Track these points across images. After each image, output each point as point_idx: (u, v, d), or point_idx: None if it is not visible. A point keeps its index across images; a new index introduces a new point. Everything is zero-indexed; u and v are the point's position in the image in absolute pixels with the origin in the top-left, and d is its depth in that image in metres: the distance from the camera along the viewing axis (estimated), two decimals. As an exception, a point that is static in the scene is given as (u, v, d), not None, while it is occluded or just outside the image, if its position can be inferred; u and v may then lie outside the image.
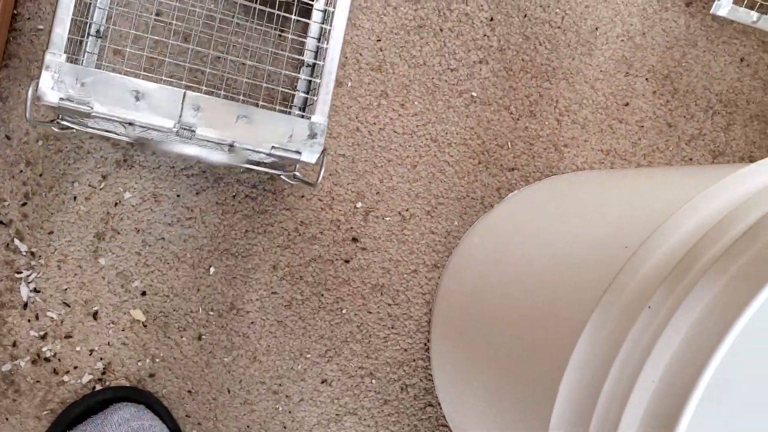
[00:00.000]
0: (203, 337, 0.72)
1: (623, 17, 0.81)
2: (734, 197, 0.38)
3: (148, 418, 0.69)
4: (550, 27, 0.79)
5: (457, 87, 0.77)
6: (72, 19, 0.55)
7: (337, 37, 0.61)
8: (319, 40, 0.68)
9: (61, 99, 0.54)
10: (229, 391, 0.73)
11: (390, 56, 0.76)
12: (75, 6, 0.55)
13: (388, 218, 0.76)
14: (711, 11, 0.71)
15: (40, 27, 0.69)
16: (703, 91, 0.84)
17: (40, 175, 0.68)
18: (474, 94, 0.78)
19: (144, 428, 0.67)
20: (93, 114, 0.55)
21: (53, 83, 0.54)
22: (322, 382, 0.76)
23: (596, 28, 0.80)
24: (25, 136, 0.68)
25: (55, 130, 0.62)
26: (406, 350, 0.78)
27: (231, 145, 0.57)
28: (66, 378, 0.70)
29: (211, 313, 0.72)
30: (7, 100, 0.68)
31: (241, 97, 0.68)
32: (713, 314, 0.32)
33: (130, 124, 0.56)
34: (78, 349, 0.70)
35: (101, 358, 0.70)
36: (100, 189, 0.70)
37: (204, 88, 0.69)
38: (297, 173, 0.67)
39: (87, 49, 0.65)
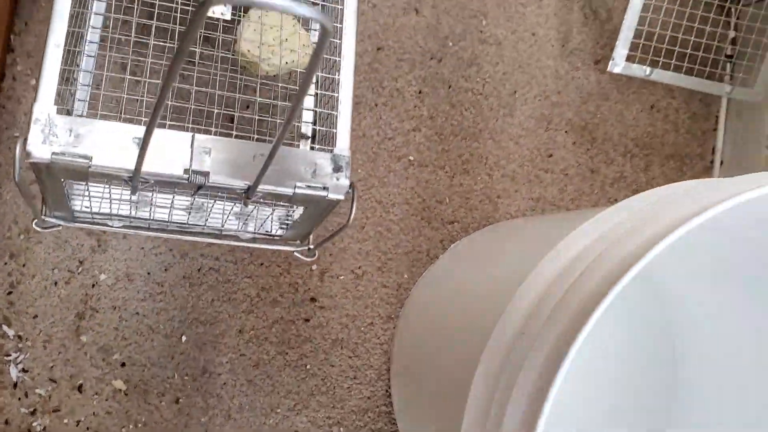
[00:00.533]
0: (180, 400, 0.79)
1: (538, 80, 0.91)
2: (585, 243, 0.46)
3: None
4: (473, 94, 0.89)
5: (396, 153, 0.87)
6: (61, 69, 0.51)
7: (348, 65, 0.59)
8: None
9: (54, 154, 0.48)
10: (207, 449, 0.80)
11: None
12: (63, 54, 0.51)
13: (342, 277, 0.84)
14: (608, 69, 0.81)
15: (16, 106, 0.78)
16: (619, 137, 0.93)
17: (23, 266, 0.76)
18: (411, 158, 0.87)
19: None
20: (91, 169, 0.49)
21: (44, 137, 0.48)
22: (293, 434, 0.82)
23: (515, 92, 0.90)
24: (8, 232, 0.76)
25: (38, 230, 0.61)
26: (369, 398, 0.85)
27: (247, 192, 0.52)
28: (56, 449, 0.76)
29: (186, 377, 0.80)
30: (-9, 201, 0.77)
31: (255, 135, 0.65)
32: (558, 342, 0.40)
33: (132, 177, 0.50)
34: (66, 421, 0.77)
35: (88, 428, 0.77)
36: (78, 273, 0.78)
37: (213, 129, 0.63)
38: (311, 245, 0.65)
39: (78, 98, 0.61)
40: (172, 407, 0.79)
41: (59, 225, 0.62)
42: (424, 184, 0.87)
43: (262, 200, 0.59)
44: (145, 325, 0.79)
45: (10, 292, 0.76)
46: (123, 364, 0.78)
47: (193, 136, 0.51)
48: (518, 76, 0.90)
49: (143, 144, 0.42)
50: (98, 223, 0.64)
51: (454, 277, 0.76)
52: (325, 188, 0.53)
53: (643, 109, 0.94)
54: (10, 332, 0.76)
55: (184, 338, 0.80)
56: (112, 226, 0.65)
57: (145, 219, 0.64)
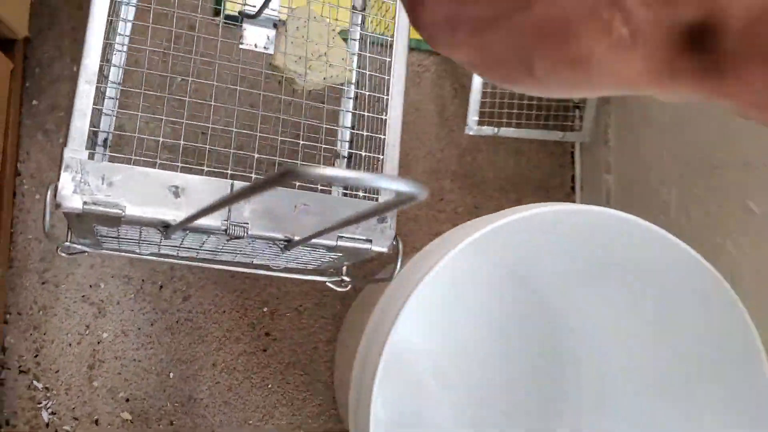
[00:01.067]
0: (174, 422, 1.04)
1: (424, 142, 1.18)
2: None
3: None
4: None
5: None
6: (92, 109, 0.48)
7: (396, 106, 0.57)
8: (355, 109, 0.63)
9: (86, 204, 0.46)
10: (198, 458, 1.05)
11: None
12: (94, 93, 0.48)
13: (288, 314, 1.10)
14: (465, 132, 1.08)
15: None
16: (494, 178, 1.20)
17: (44, 334, 1.02)
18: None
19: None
20: (124, 218, 0.47)
21: (75, 186, 0.46)
22: (264, 439, 1.07)
23: (408, 154, 1.17)
24: (30, 310, 1.02)
25: (64, 255, 0.58)
26: (320, 404, 1.10)
27: (288, 242, 0.51)
28: (83, 470, 1.01)
29: (176, 404, 1.05)
30: (16, 265, 1.03)
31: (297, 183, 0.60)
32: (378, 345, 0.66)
33: (167, 227, 0.48)
34: (88, 448, 1.01)
35: (105, 452, 1.02)
36: (86, 334, 1.03)
37: (254, 175, 0.59)
38: (345, 277, 0.66)
39: (109, 143, 0.57)
40: (168, 428, 1.04)
41: (85, 251, 0.60)
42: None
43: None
44: (141, 368, 1.04)
45: (36, 355, 1.02)
46: (127, 400, 1.03)
47: (232, 184, 0.50)
48: (410, 142, 1.17)
49: (191, 217, 0.42)
50: (125, 251, 0.63)
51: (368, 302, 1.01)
52: (368, 240, 0.52)
53: (510, 154, 1.21)
54: (39, 385, 1.01)
55: (171, 374, 1.05)
56: (139, 254, 0.64)
57: (174, 246, 0.61)
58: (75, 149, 0.46)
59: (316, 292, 1.12)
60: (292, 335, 1.10)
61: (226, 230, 0.49)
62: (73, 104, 0.48)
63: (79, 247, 0.58)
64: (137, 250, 0.63)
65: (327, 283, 0.67)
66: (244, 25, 0.62)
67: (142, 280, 1.05)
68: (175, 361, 1.05)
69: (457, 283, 1.03)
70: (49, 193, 0.46)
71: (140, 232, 0.56)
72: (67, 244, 0.58)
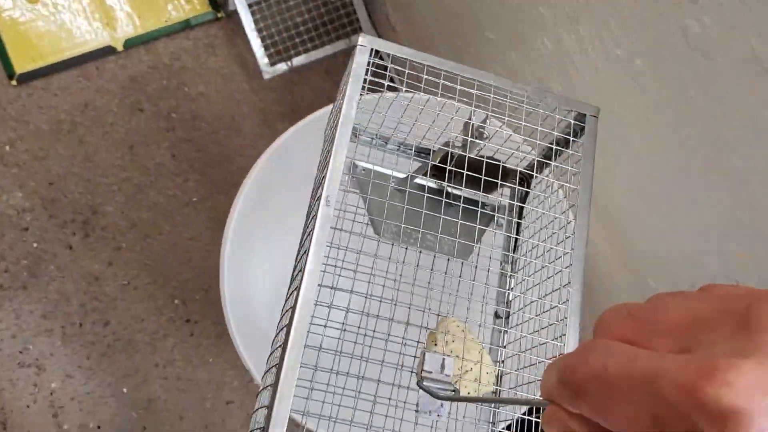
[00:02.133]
0: (146, 426, 1.19)
1: (243, 101, 1.30)
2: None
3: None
4: (204, 132, 1.28)
5: (182, 200, 1.25)
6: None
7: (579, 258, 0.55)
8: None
9: None
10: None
11: (133, 213, 1.24)
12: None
13: (197, 297, 1.24)
14: (264, 78, 1.20)
15: None
16: (318, 99, 1.32)
17: (2, 409, 1.16)
18: (194, 200, 1.26)
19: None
20: None
21: None
22: (228, 403, 1.22)
23: (232, 123, 1.29)
24: (-18, 395, 1.16)
25: None
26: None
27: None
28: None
29: (141, 410, 1.19)
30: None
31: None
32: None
33: None
34: (85, 478, 1.16)
35: (101, 475, 1.16)
36: (38, 393, 1.17)
37: None
38: None
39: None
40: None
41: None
42: (212, 212, 1.26)
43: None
44: (96, 396, 1.18)
45: (5, 428, 1.16)
46: (99, 427, 1.18)
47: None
48: (232, 108, 1.29)
49: None
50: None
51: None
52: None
53: (320, 75, 1.33)
54: (20, 449, 1.15)
55: (125, 390, 1.19)
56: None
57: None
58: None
59: (210, 269, 1.25)
60: (208, 312, 1.24)
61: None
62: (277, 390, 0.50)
63: None
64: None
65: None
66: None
67: (62, 327, 1.19)
68: (122, 378, 1.19)
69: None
70: None
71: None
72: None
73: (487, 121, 0.65)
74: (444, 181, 0.64)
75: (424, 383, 0.53)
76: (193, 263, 1.25)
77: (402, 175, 0.76)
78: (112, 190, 1.23)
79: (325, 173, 0.54)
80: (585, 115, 0.63)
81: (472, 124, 0.66)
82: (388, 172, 0.75)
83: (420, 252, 0.69)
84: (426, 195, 0.64)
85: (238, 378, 1.23)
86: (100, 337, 1.20)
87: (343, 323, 0.67)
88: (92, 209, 1.23)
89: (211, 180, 1.27)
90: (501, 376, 0.66)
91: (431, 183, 0.73)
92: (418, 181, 0.73)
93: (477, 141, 0.66)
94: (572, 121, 0.63)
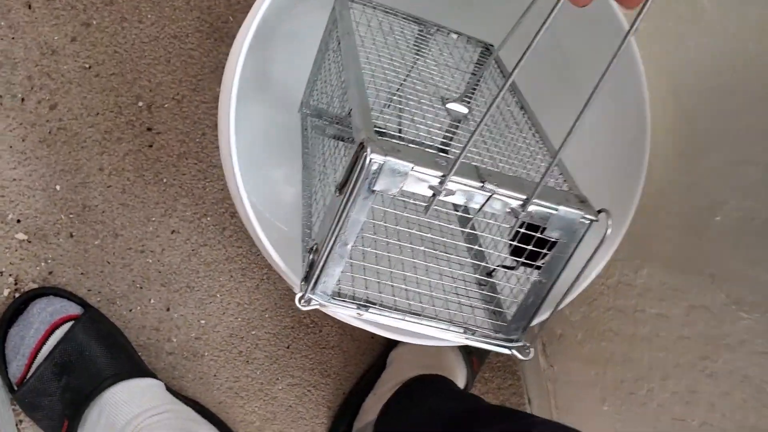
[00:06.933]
0: (73, 234, 1.04)
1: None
2: None
3: (59, 302, 1.01)
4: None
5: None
6: None
7: None
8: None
9: None
10: (108, 263, 1.06)
11: (115, -7, 1.06)
12: None
13: (166, 105, 1.08)
14: None
15: None
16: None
17: None
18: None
19: (57, 310, 0.99)
20: None
21: None
22: (172, 233, 1.08)
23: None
24: None
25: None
26: (222, 189, 1.10)
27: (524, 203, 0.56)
28: (-10, 295, 1.02)
29: (71, 215, 1.04)
30: None
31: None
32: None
33: None
34: (-10, 274, 1.02)
35: (10, 275, 1.02)
36: (-45, 163, 1.00)
37: None
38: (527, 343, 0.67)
39: None
40: (69, 241, 1.04)
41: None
42: (207, 11, 1.10)
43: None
44: (23, 186, 1.03)
45: None
46: (18, 221, 1.03)
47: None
48: None
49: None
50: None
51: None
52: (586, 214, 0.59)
53: None
54: None
55: (58, 187, 1.04)
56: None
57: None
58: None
59: (189, 78, 1.09)
60: (175, 126, 1.09)
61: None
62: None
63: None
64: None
65: (513, 352, 0.69)
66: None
67: (0, 96, 1.01)
68: (58, 173, 1.04)
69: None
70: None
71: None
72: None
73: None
74: None
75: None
76: (171, 66, 1.09)
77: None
78: (96, -48, 1.05)
79: None
80: None
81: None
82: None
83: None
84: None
85: (192, 208, 1.09)
86: (43, 120, 1.04)
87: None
88: (66, -31, 1.04)
89: (213, -24, 1.10)
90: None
91: None
92: None
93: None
94: None
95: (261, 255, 1.08)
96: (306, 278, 0.61)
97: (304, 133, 1.01)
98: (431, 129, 0.67)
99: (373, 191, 0.55)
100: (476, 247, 0.80)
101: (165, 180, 1.08)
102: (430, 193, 0.57)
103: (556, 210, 0.60)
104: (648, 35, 0.90)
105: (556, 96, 0.92)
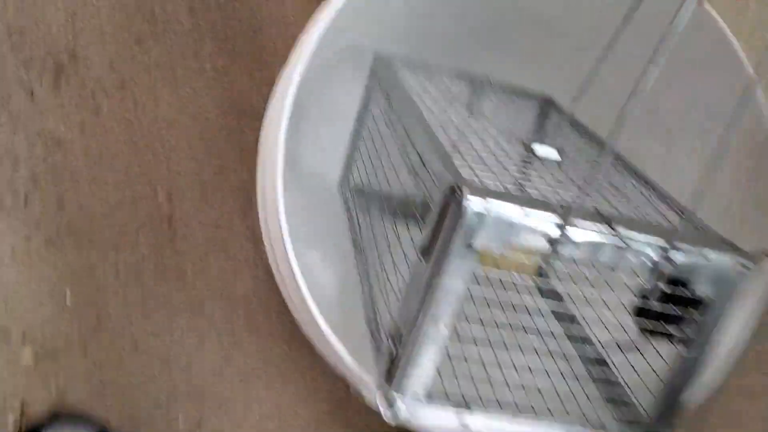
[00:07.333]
0: (87, 349, 0.90)
1: None
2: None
3: (73, 430, 0.86)
4: None
5: (192, 69, 0.98)
6: None
7: None
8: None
9: None
10: (129, 380, 0.91)
11: (126, 72, 0.96)
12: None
13: (189, 194, 0.96)
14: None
15: None
16: None
17: None
18: (208, 71, 0.99)
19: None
20: None
21: None
22: (200, 339, 0.94)
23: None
24: None
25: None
26: (254, 284, 0.96)
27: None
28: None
29: (85, 327, 0.90)
30: None
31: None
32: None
33: None
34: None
35: (16, 399, 0.87)
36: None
37: None
38: None
39: None
40: (84, 362, 0.90)
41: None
42: (229, 89, 0.99)
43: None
44: (29, 294, 0.89)
45: None
46: (24, 334, 0.89)
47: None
48: None
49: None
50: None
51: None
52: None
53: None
54: None
55: (68, 292, 0.91)
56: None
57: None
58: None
59: (213, 162, 0.98)
60: (200, 217, 0.96)
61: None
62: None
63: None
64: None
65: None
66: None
67: None
68: (68, 278, 0.91)
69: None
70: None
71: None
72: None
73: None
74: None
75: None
76: (193, 150, 0.98)
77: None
78: (101, 31, 0.95)
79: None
80: None
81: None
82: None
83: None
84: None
85: (222, 309, 0.95)
86: (49, 218, 0.91)
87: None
88: (70, 52, 0.95)
89: (235, 51, 1.00)
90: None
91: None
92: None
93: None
94: None
95: (302, 356, 0.93)
96: (388, 375, 0.46)
97: (349, 213, 0.89)
98: (510, 174, 0.55)
99: (471, 248, 0.42)
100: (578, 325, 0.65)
101: (190, 279, 0.95)
102: (545, 246, 0.44)
103: (706, 258, 0.46)
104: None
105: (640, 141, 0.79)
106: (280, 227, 0.59)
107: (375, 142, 0.80)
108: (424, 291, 0.44)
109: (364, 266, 0.73)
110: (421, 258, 0.45)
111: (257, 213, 0.73)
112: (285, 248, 0.59)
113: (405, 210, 0.80)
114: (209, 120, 0.99)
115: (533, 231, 0.43)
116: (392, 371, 0.47)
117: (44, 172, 0.92)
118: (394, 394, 0.46)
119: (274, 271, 0.66)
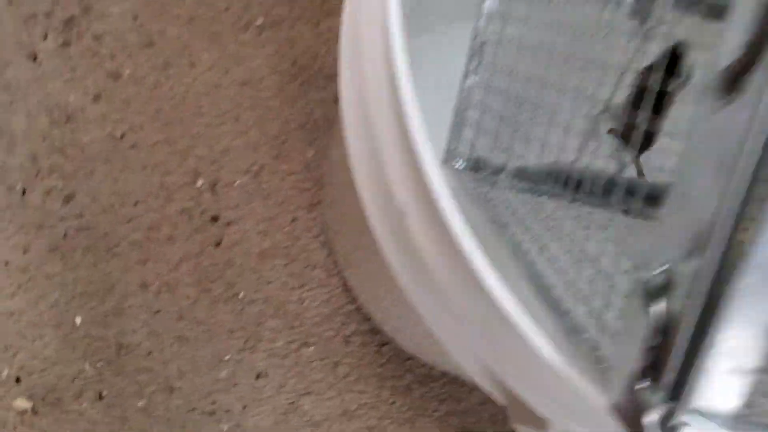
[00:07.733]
0: (103, 393, 0.66)
1: None
2: None
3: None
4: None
5: (239, 22, 0.75)
6: None
7: None
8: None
9: None
10: (160, 436, 0.66)
11: (154, 26, 0.73)
12: None
13: (237, 181, 0.72)
14: None
15: None
16: None
17: None
18: (258, 22, 0.75)
19: None
20: None
21: None
22: (258, 377, 0.68)
23: None
24: None
25: None
26: (327, 301, 0.71)
27: None
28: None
29: (100, 363, 0.66)
30: None
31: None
32: None
33: None
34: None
35: (4, 470, 0.63)
36: None
37: None
38: None
39: None
40: (97, 405, 0.65)
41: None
42: (287, 44, 0.75)
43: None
44: (25, 323, 0.66)
45: None
46: (18, 379, 0.65)
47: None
48: None
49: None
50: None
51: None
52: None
53: None
54: None
55: (78, 320, 0.66)
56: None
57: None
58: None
59: (269, 138, 0.73)
60: (253, 212, 0.71)
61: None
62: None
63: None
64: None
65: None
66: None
67: (-10, 189, 0.67)
68: (78, 299, 0.67)
69: None
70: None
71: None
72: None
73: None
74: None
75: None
76: (241, 124, 0.73)
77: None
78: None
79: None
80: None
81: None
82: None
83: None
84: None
85: (285, 335, 0.70)
86: (55, 219, 0.68)
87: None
88: (83, 3, 0.72)
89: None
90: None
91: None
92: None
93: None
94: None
95: (401, 404, 0.67)
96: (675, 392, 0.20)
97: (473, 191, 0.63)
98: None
99: None
100: None
101: (242, 294, 0.70)
102: None
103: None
104: None
105: None
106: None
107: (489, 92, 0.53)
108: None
109: (514, 246, 0.46)
110: (723, 92, 0.19)
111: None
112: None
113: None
114: (263, 85, 0.74)
115: None
116: (677, 379, 0.20)
117: (47, 153, 0.69)
118: (680, 416, 0.19)
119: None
